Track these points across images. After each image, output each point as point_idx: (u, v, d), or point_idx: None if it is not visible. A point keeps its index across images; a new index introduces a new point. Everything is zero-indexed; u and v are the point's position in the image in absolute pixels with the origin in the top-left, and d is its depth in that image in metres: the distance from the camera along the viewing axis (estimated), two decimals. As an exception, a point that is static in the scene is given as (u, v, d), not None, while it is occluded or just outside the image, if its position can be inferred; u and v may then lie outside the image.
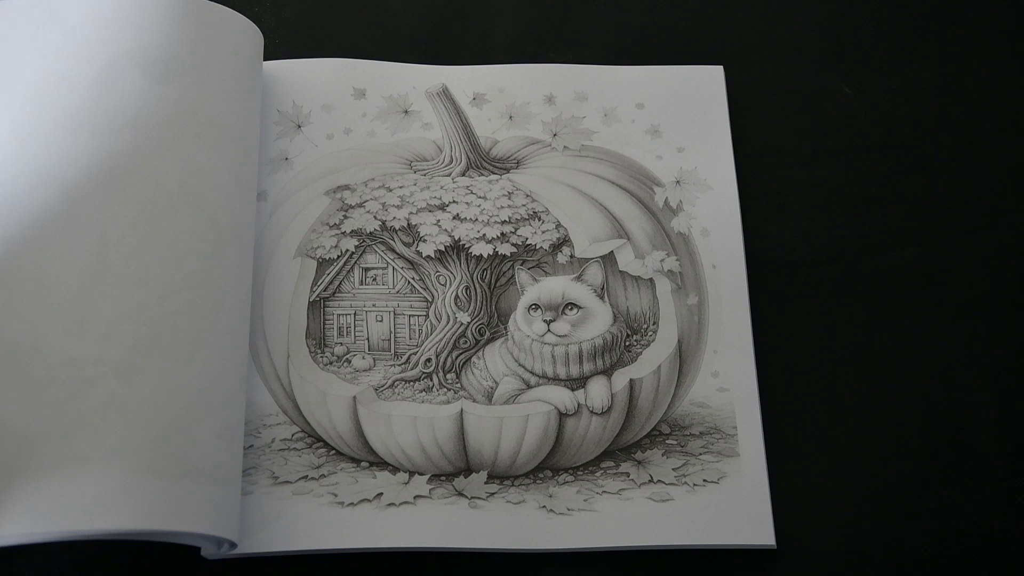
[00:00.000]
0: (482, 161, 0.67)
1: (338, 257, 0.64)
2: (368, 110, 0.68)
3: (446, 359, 0.61)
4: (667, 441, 0.59)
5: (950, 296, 0.64)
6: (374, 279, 0.64)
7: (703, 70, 0.69)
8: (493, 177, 0.66)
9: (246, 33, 0.64)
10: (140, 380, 0.53)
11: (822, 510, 0.58)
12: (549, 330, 0.61)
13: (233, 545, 0.54)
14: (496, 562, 0.57)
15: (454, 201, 0.65)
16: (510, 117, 0.68)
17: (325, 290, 0.63)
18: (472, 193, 0.66)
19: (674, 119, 0.68)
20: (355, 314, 0.62)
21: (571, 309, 0.62)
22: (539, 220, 0.65)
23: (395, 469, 0.58)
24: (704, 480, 0.58)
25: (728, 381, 0.61)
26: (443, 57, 0.70)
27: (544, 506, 0.57)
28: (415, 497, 0.57)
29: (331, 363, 0.61)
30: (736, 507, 0.57)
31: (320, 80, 0.68)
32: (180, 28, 0.61)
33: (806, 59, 0.71)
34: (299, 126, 0.67)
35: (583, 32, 0.72)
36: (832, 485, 0.58)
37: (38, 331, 0.53)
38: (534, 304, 0.62)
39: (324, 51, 0.69)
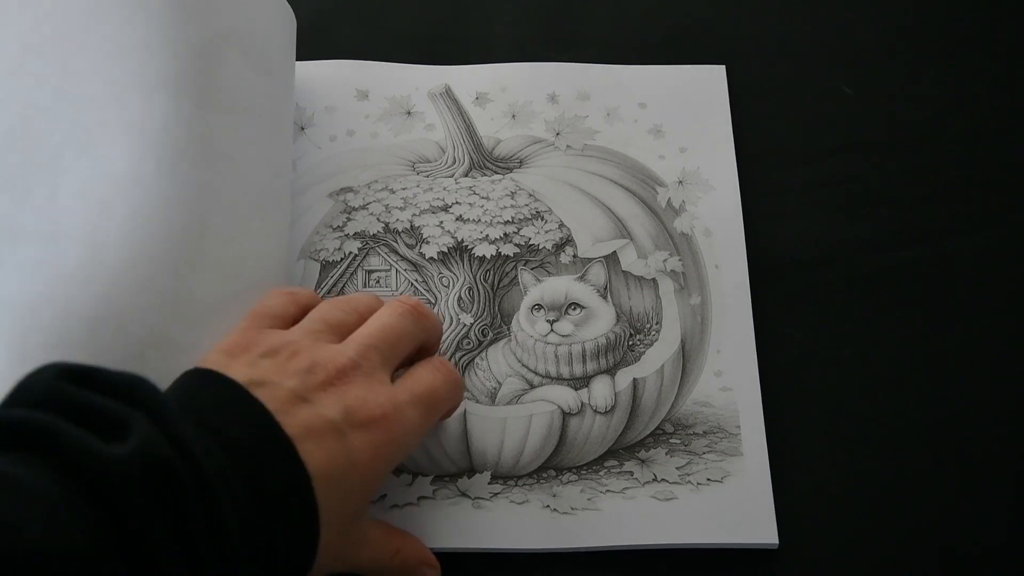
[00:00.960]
0: (485, 161, 0.67)
1: (342, 259, 0.64)
2: (371, 112, 0.68)
3: (449, 360, 0.61)
4: (671, 440, 0.60)
5: (950, 296, 0.64)
6: (377, 281, 0.64)
7: (705, 69, 0.70)
8: (496, 177, 0.66)
9: (287, 18, 0.64)
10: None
11: (825, 509, 0.58)
12: (552, 330, 0.62)
13: None
14: (500, 562, 0.57)
15: (457, 202, 0.66)
16: (513, 116, 0.68)
17: (329, 293, 0.63)
18: (475, 194, 0.66)
19: (676, 119, 0.68)
20: (359, 316, 0.62)
21: (574, 309, 0.62)
22: (542, 220, 0.65)
23: (399, 471, 0.58)
24: (708, 479, 0.58)
25: (731, 380, 0.61)
26: (445, 58, 0.70)
27: (548, 506, 0.57)
28: (419, 498, 0.57)
29: None
30: (739, 506, 0.57)
31: (323, 82, 0.68)
32: (262, 15, 0.60)
33: (806, 59, 0.71)
34: (302, 128, 0.67)
35: (584, 32, 0.72)
36: (835, 484, 0.59)
37: (135, 306, 0.50)
38: (537, 304, 0.62)
39: (326, 53, 0.69)
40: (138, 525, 0.38)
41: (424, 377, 0.53)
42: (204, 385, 0.46)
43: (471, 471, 0.58)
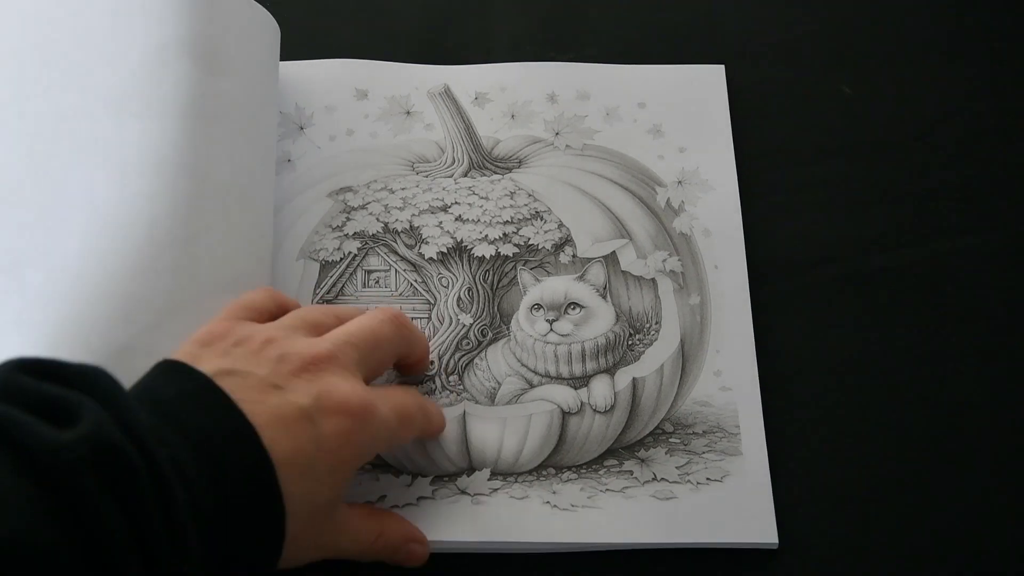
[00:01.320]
0: (484, 161, 0.67)
1: (341, 259, 0.64)
2: (370, 111, 0.68)
3: (449, 361, 0.61)
4: (670, 439, 0.59)
5: (950, 296, 0.64)
6: (377, 281, 0.64)
7: (704, 69, 0.70)
8: (495, 177, 0.66)
9: (267, 25, 0.64)
10: None
11: (824, 509, 0.58)
12: (552, 329, 0.62)
13: None
14: (500, 562, 0.56)
15: (456, 202, 0.66)
16: (512, 116, 0.68)
17: (328, 292, 0.63)
18: (474, 194, 0.66)
19: (676, 119, 0.68)
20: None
21: (574, 309, 0.62)
22: (541, 220, 0.65)
23: (398, 471, 0.58)
24: (707, 479, 0.58)
25: (730, 380, 0.61)
26: (444, 58, 0.70)
27: (548, 502, 0.57)
28: (418, 498, 0.57)
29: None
30: (739, 506, 0.57)
31: (322, 81, 0.68)
32: (220, 18, 0.60)
33: (806, 59, 0.71)
34: (301, 128, 0.67)
35: (584, 32, 0.72)
36: (834, 484, 0.58)
37: (86, 315, 0.51)
38: (536, 304, 0.62)
39: (326, 52, 0.70)
40: (89, 508, 0.38)
41: (397, 393, 0.54)
42: (169, 375, 0.46)
43: (471, 470, 0.58)
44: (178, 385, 0.45)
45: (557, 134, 0.68)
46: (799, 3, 0.73)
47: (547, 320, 0.62)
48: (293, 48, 0.69)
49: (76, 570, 0.37)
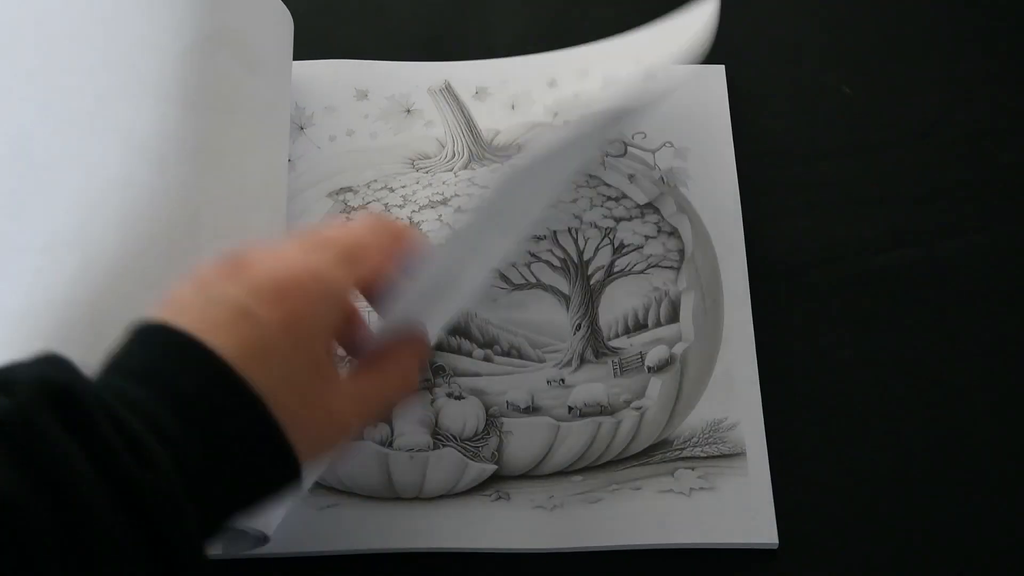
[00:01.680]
0: (484, 152, 0.67)
1: (341, 258, 0.64)
2: (370, 111, 0.68)
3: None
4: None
5: (950, 296, 0.64)
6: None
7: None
8: (495, 166, 0.66)
9: (283, 19, 0.64)
10: None
11: (825, 509, 0.58)
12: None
13: (263, 540, 0.54)
14: (500, 562, 0.57)
15: (456, 195, 0.65)
16: (512, 107, 0.68)
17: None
18: (474, 184, 0.66)
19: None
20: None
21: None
22: None
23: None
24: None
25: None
26: (444, 57, 0.70)
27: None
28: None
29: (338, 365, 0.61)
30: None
31: (322, 81, 0.68)
32: (256, 16, 0.60)
33: (806, 59, 0.71)
34: (302, 128, 0.67)
35: (584, 32, 0.72)
36: (835, 484, 0.59)
37: (134, 306, 0.49)
38: None
39: (326, 52, 0.69)
40: (46, 452, 0.36)
41: (339, 228, 0.49)
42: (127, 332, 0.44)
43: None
44: (128, 335, 0.43)
45: (555, 114, 0.67)
46: (799, 3, 0.73)
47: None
48: (294, 49, 0.68)
49: (44, 518, 0.35)
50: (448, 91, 0.68)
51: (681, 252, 0.64)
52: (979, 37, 0.72)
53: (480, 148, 0.67)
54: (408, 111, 0.68)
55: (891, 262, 0.65)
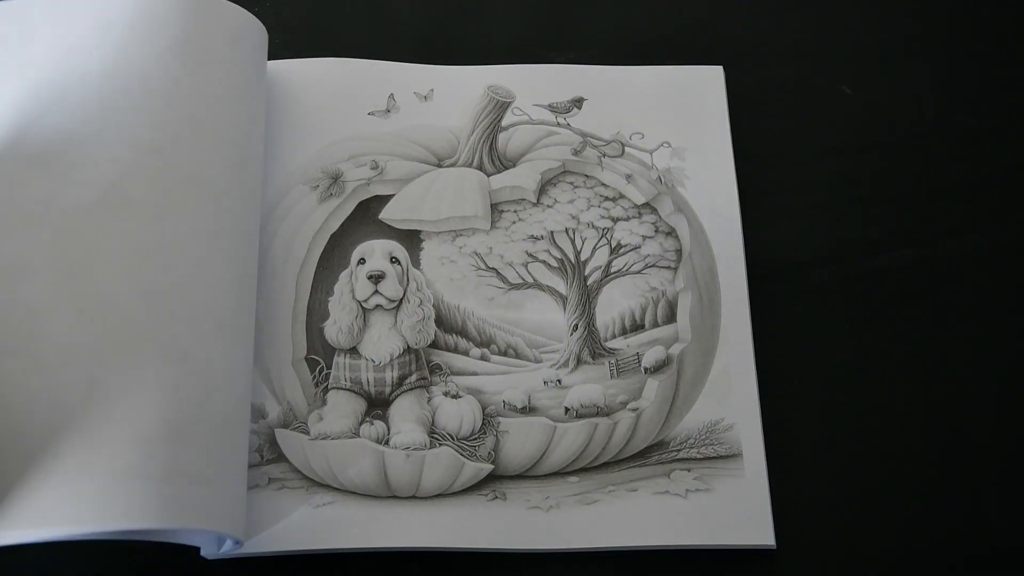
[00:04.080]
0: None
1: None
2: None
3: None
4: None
5: (950, 296, 0.64)
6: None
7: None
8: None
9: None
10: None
11: (822, 510, 0.58)
12: None
13: (238, 543, 0.54)
14: (499, 562, 0.57)
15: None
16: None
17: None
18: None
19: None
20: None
21: None
22: None
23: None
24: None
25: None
26: (443, 57, 0.70)
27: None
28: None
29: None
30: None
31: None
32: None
33: (806, 59, 0.71)
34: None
35: (583, 32, 0.72)
36: (832, 485, 0.58)
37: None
38: None
39: (324, 51, 0.69)
40: None
41: None
42: None
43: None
44: None
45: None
46: (799, 3, 0.73)
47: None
48: (291, 47, 0.69)
49: None
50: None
51: (679, 252, 0.64)
52: (979, 37, 0.72)
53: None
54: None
55: (891, 262, 0.65)
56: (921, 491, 0.58)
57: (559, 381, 0.61)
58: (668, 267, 0.64)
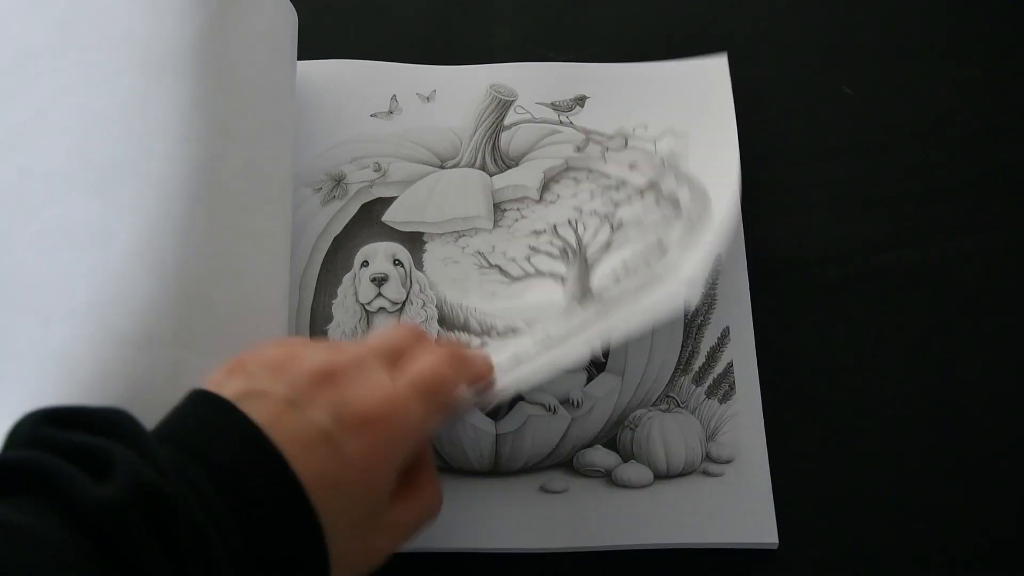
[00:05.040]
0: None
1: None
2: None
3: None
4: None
5: (950, 296, 0.64)
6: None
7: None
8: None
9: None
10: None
11: (825, 509, 0.58)
12: None
13: None
14: (499, 563, 0.57)
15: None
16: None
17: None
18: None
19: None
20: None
21: None
22: None
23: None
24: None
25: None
26: (445, 57, 0.70)
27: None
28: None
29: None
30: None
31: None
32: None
33: (806, 59, 0.71)
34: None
35: (585, 31, 0.72)
36: (835, 484, 0.59)
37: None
38: None
39: (326, 53, 0.69)
40: (141, 562, 0.38)
41: (424, 360, 0.50)
42: (192, 406, 0.45)
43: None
44: (200, 415, 0.44)
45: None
46: (799, 3, 0.73)
47: None
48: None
49: None
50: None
51: (679, 213, 0.63)
52: (980, 37, 0.72)
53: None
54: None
55: (891, 262, 0.65)
56: (923, 490, 0.58)
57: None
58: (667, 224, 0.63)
